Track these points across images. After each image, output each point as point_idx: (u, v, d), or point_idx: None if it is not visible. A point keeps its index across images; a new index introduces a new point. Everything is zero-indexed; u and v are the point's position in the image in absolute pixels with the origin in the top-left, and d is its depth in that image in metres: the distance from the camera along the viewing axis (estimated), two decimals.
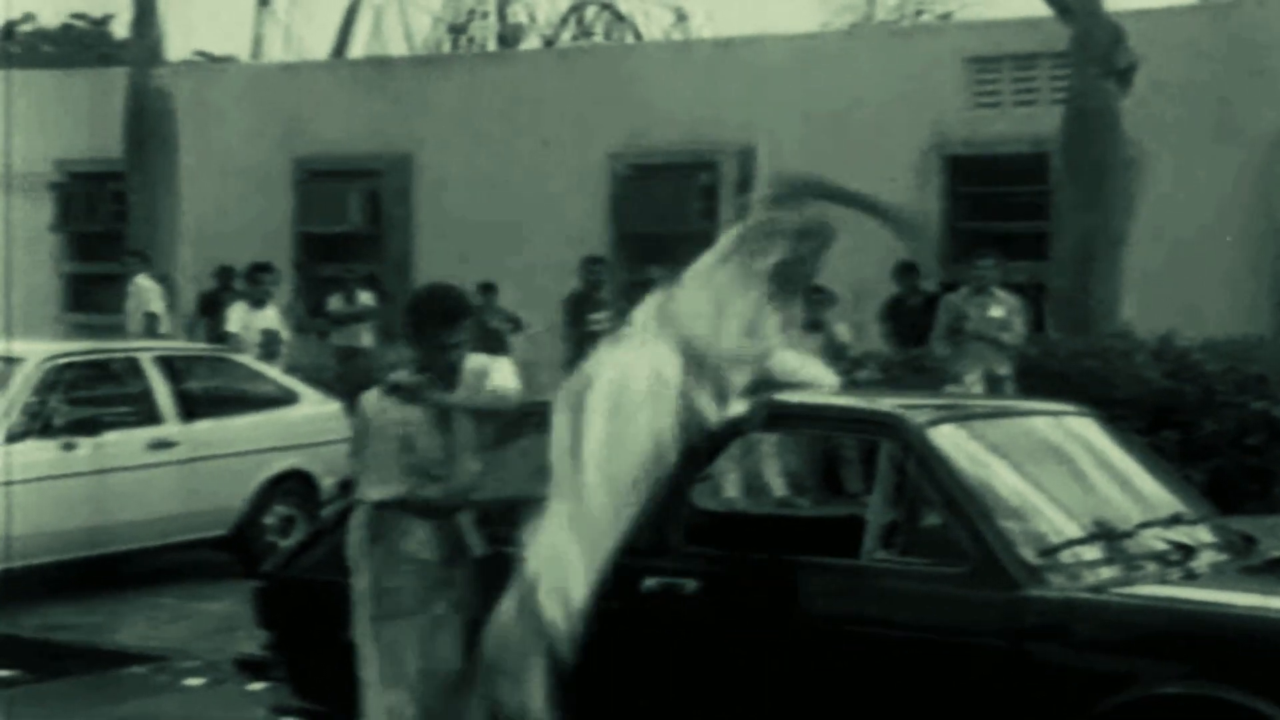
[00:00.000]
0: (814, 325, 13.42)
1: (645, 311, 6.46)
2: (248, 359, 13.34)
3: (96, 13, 40.48)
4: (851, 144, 17.72)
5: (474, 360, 6.40)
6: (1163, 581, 6.05)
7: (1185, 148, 17.08)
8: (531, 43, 32.07)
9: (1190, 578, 6.12)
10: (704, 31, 30.73)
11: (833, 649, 6.09)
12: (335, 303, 17.77)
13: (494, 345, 13.84)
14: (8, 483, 10.39)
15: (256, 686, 7.77)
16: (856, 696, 6.08)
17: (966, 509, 6.01)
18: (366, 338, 17.50)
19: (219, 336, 15.73)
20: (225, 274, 18.21)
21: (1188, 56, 17.24)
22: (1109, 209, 15.24)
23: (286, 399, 12.40)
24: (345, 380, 14.30)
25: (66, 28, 41.82)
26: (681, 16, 32.06)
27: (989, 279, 13.23)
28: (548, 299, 16.82)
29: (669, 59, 22.04)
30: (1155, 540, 6.25)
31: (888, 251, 13.00)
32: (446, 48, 31.67)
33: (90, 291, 22.52)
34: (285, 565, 7.43)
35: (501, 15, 32.78)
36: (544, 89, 21.01)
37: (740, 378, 6.42)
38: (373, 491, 6.31)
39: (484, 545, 6.32)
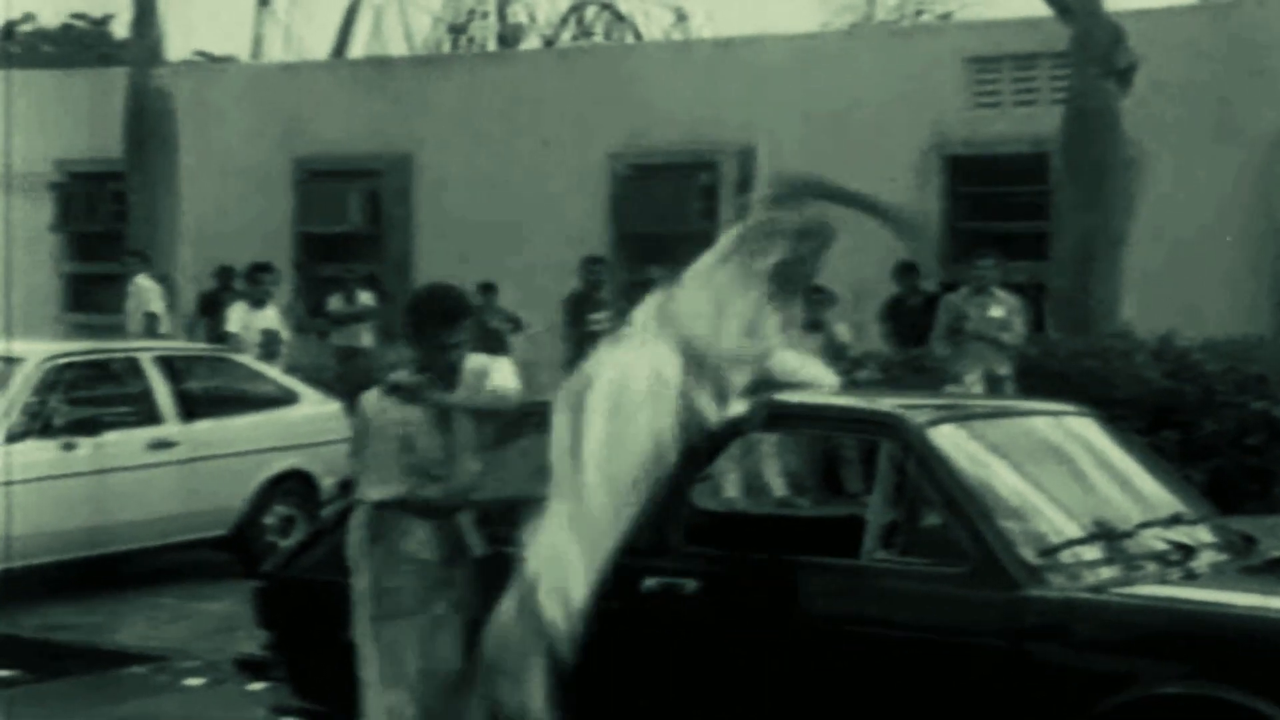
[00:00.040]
0: (814, 325, 13.42)
1: (645, 311, 6.46)
2: (248, 359, 13.34)
3: (96, 13, 40.54)
4: (851, 144, 17.72)
5: (474, 360, 6.40)
6: (1163, 581, 6.05)
7: (1185, 148, 17.09)
8: (531, 43, 32.07)
9: (1190, 578, 6.12)
10: (704, 31, 30.76)
11: (833, 649, 6.09)
12: (335, 303, 17.77)
13: (494, 345, 13.84)
14: (8, 483, 10.39)
15: (256, 686, 7.77)
16: (857, 697, 6.08)
17: (966, 509, 6.01)
18: (366, 338, 17.51)
19: (219, 336, 15.73)
20: (225, 274, 18.21)
21: (1188, 56, 17.24)
22: (1109, 209, 15.25)
23: (286, 399, 12.40)
24: (345, 380, 14.30)
25: (66, 28, 41.82)
26: (681, 16, 32.09)
27: (989, 279, 13.23)
28: (548, 299, 16.82)
29: (669, 59, 22.04)
30: (1155, 540, 6.25)
31: (888, 251, 13.00)
32: (446, 48, 31.67)
33: (90, 291, 22.52)
34: (285, 565, 7.43)
35: (501, 15, 32.78)
36: (544, 89, 21.01)
37: (740, 378, 6.42)
38: (373, 491, 6.31)
39: (484, 545, 6.32)
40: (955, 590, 5.96)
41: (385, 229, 21.68)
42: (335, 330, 17.72)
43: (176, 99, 20.27)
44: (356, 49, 30.47)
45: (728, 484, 10.68)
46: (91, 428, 11.09)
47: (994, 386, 12.74)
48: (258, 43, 31.60)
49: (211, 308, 17.76)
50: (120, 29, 34.72)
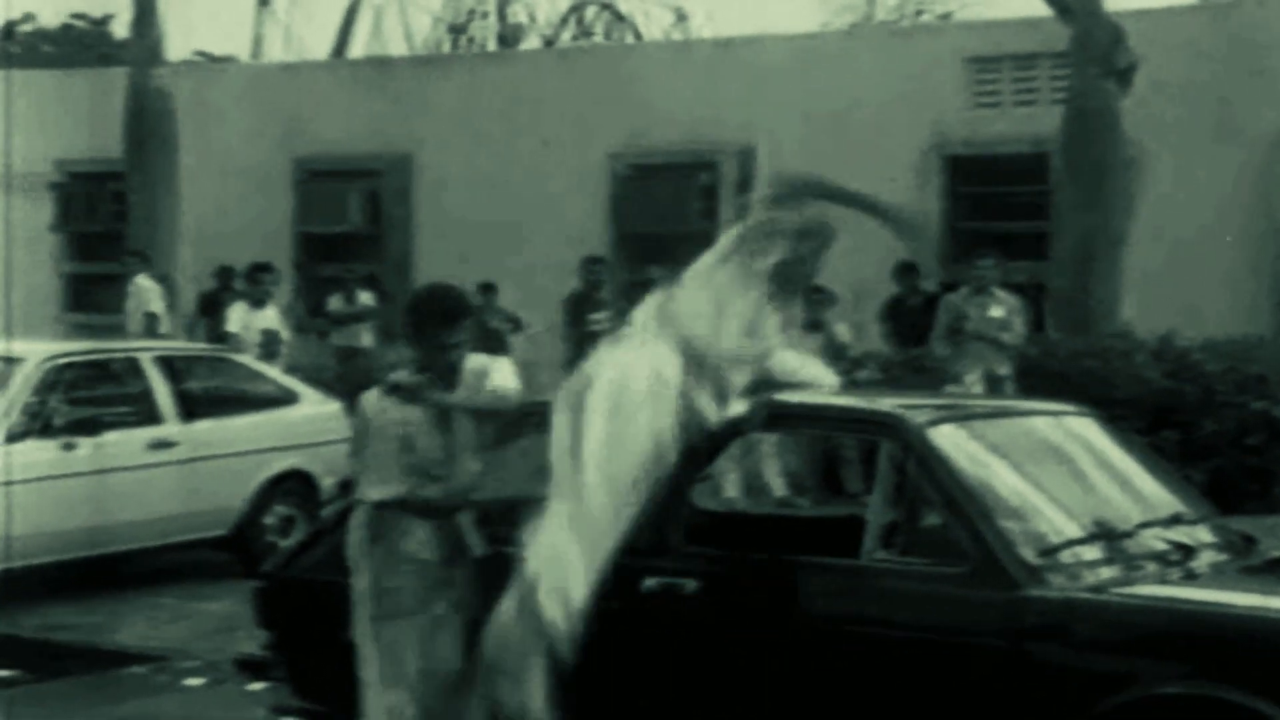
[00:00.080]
0: (814, 325, 13.42)
1: (645, 311, 6.46)
2: (248, 359, 13.34)
3: (96, 13, 40.53)
4: (851, 144, 17.72)
5: (474, 360, 6.40)
6: (1163, 581, 6.05)
7: (1185, 148, 17.08)
8: (531, 43, 32.07)
9: (1190, 578, 6.12)
10: (704, 31, 30.76)
11: (833, 649, 6.09)
12: (335, 303, 17.77)
13: (494, 345, 13.84)
14: (8, 483, 10.39)
15: (256, 686, 7.77)
16: (857, 697, 6.08)
17: (966, 509, 6.01)
18: (366, 338, 17.51)
19: (219, 336, 15.73)
20: (225, 274, 18.21)
21: (1188, 56, 17.24)
22: (1109, 209, 15.24)
23: (286, 399, 12.40)
24: (345, 380, 14.30)
25: (66, 28, 41.82)
26: (681, 16, 32.09)
27: (989, 279, 13.23)
28: (548, 299, 16.82)
29: (669, 59, 22.04)
30: (1155, 540, 6.25)
31: (888, 251, 13.00)
32: (446, 48, 31.67)
33: (90, 291, 22.52)
34: (285, 565, 7.43)
35: (501, 15, 32.78)
36: (544, 89, 21.01)
37: (740, 378, 6.42)
38: (373, 491, 6.31)
39: (484, 545, 6.32)
40: (955, 590, 5.96)
41: (385, 229, 21.68)
42: (335, 330, 17.72)
43: (176, 99, 20.27)
44: (356, 49, 30.49)
45: (728, 484, 10.68)
46: (91, 428, 11.09)
47: (994, 386, 12.74)
48: (258, 43, 31.63)
49: (211, 308, 17.76)
50: (120, 29, 34.75)
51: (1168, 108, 16.83)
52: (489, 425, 6.39)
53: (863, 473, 11.80)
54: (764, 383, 6.54)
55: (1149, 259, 15.88)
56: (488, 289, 17.28)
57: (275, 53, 30.68)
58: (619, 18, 32.28)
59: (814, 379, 6.85)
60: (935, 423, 6.35)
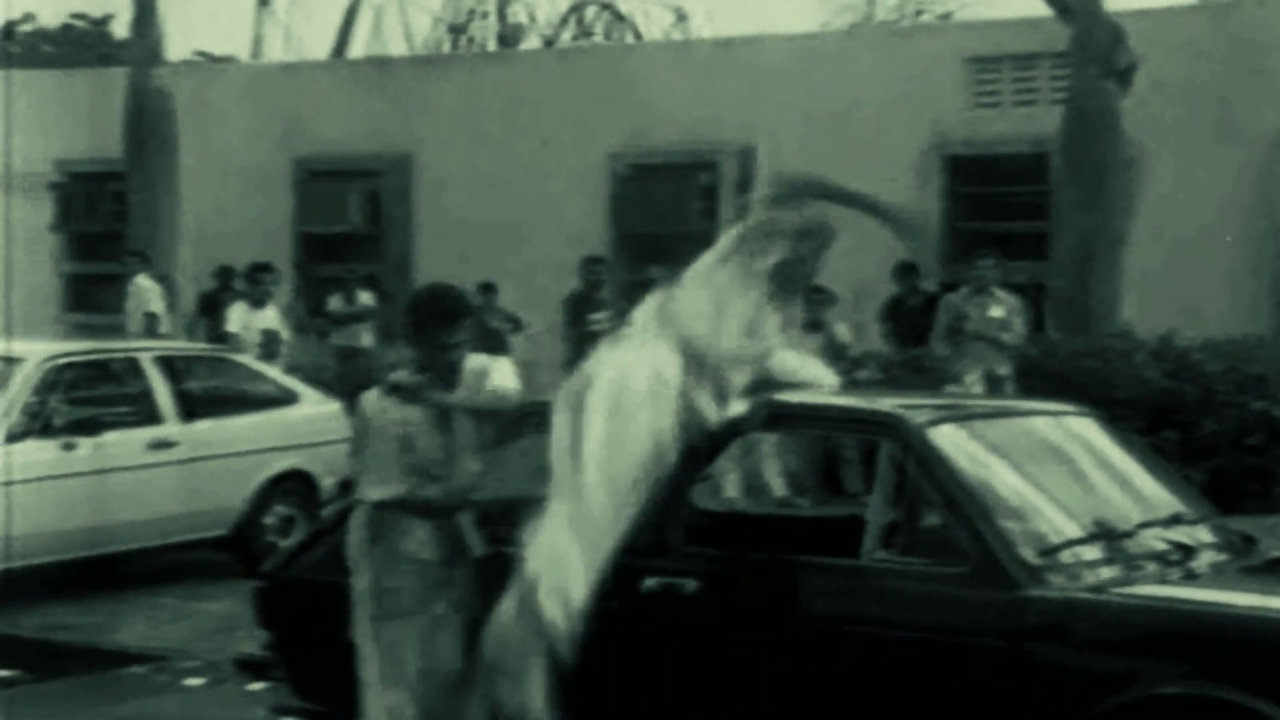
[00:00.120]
0: (814, 325, 13.42)
1: (645, 311, 6.46)
2: (248, 359, 13.34)
3: (96, 13, 40.54)
4: (851, 144, 17.72)
5: (474, 360, 6.40)
6: (1163, 581, 6.05)
7: (1185, 148, 17.08)
8: (531, 43, 32.07)
9: (1190, 578, 6.12)
10: (704, 31, 30.75)
11: (833, 649, 6.09)
12: (335, 303, 17.77)
13: (494, 345, 13.84)
14: (8, 483, 10.39)
15: (256, 686, 7.77)
16: (857, 697, 6.08)
17: (966, 509, 6.01)
18: (366, 338, 17.51)
19: (219, 336, 15.73)
20: (225, 274, 18.21)
21: (1188, 56, 17.24)
22: (1109, 209, 15.24)
23: (286, 399, 12.40)
24: (345, 380, 14.30)
25: (66, 28, 41.82)
26: (681, 16, 32.09)
27: (989, 279, 13.23)
28: (548, 299, 16.82)
29: (669, 59, 22.04)
30: (1155, 540, 6.25)
31: (888, 251, 13.00)
32: (446, 48, 31.67)
33: (90, 291, 22.52)
34: (285, 565, 7.43)
35: (501, 15, 32.78)
36: (544, 89, 21.01)
37: (740, 378, 6.42)
38: (373, 491, 6.31)
39: (484, 545, 6.32)
40: (955, 590, 5.96)
41: (385, 229, 21.68)
42: (335, 330, 17.72)
43: (176, 99, 20.27)
44: (356, 49, 30.49)
45: (728, 484, 10.68)
46: (91, 428, 11.09)
47: (994, 386, 12.74)
48: (258, 43, 31.63)
49: (211, 308, 17.76)
50: (120, 29, 34.75)
51: (1168, 108, 16.83)
52: (489, 425, 6.39)
53: (863, 473, 11.80)
54: (764, 383, 6.53)
55: (1149, 259, 15.88)
56: (488, 289, 17.28)
57: (275, 53, 30.72)
58: (619, 18, 32.28)
59: (814, 379, 6.85)
60: (935, 423, 6.35)
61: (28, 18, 40.70)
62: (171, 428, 11.40)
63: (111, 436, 11.14)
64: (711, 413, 6.31)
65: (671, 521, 6.35)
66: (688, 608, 6.30)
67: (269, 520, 11.78)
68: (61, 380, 11.09)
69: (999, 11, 35.58)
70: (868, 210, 6.88)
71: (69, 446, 10.83)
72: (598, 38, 31.83)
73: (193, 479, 11.36)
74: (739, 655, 6.24)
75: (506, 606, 6.04)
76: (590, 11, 32.52)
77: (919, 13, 33.26)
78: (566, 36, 32.09)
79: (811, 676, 6.12)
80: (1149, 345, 14.16)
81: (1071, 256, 15.41)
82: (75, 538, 10.82)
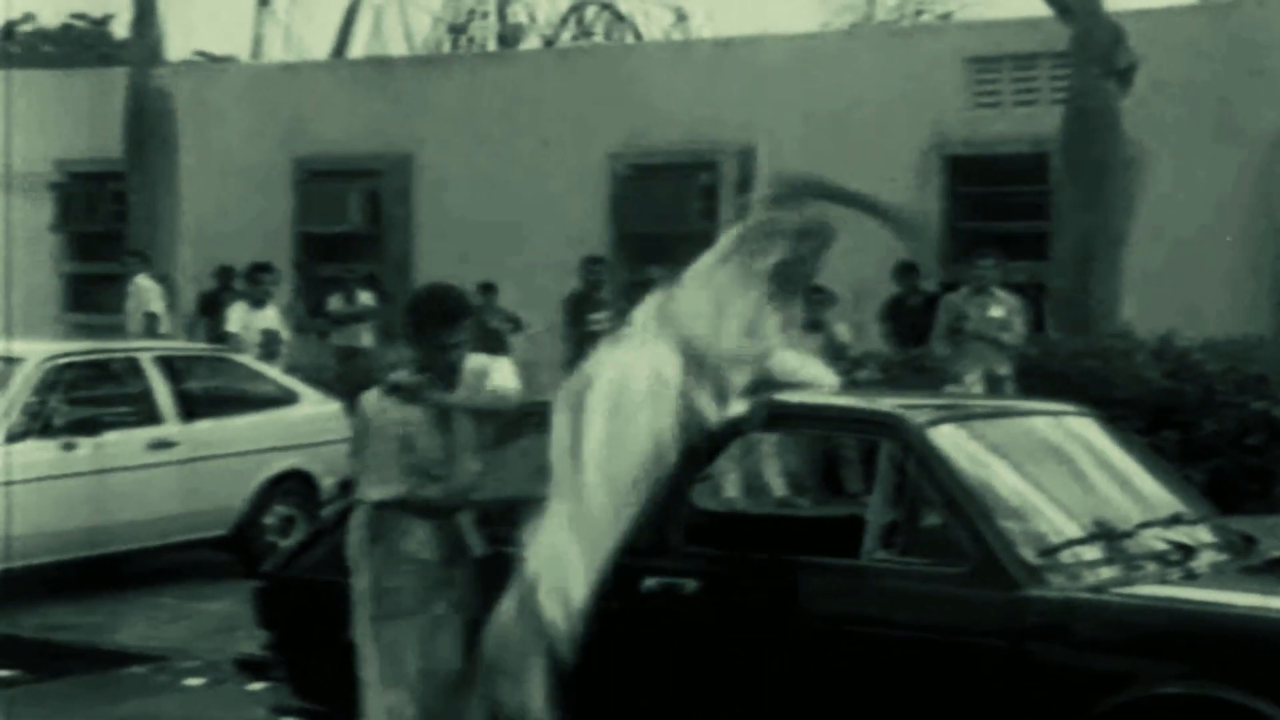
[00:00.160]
0: (814, 325, 13.42)
1: (645, 311, 6.46)
2: (248, 359, 13.34)
3: (97, 13, 40.53)
4: (851, 144, 17.72)
5: (474, 360, 6.40)
6: (1163, 581, 6.05)
7: (1185, 148, 17.09)
8: (531, 43, 32.07)
9: (1190, 578, 6.12)
10: (704, 31, 30.75)
11: (833, 649, 6.09)
12: (335, 303, 17.77)
13: (494, 345, 13.84)
14: (8, 483, 10.39)
15: (257, 686, 7.77)
16: (857, 697, 6.08)
17: (966, 509, 6.01)
18: (366, 338, 17.51)
19: (219, 336, 15.73)
20: (225, 274, 18.21)
21: (1188, 56, 17.24)
22: (1109, 209, 15.24)
23: (286, 399, 12.40)
24: (345, 380, 14.30)
25: (67, 28, 41.82)
26: (681, 16, 32.09)
27: (989, 279, 13.23)
28: (548, 299, 16.82)
29: (669, 59, 22.04)
30: (1155, 540, 6.25)
31: (888, 251, 13.01)
32: (446, 48, 31.66)
33: (90, 291, 22.52)
34: (285, 565, 7.43)
35: (501, 15, 32.78)
36: (544, 89, 21.02)
37: (740, 378, 6.42)
38: (373, 491, 6.31)
39: (484, 545, 6.32)
40: (955, 590, 5.96)
41: (385, 229, 21.68)
42: (335, 330, 17.72)
43: (176, 99, 20.27)
44: (356, 49, 30.49)
45: (728, 484, 10.68)
46: (92, 428, 11.09)
47: (994, 386, 12.73)
48: (258, 43, 31.63)
49: (212, 308, 17.76)
50: (120, 29, 34.75)
51: (1168, 108, 16.83)
52: (489, 425, 6.39)
53: (863, 473, 11.80)
54: (764, 383, 6.54)
55: (1149, 259, 15.88)
56: (488, 289, 17.28)
57: (275, 53, 30.72)
58: (619, 18, 32.28)
59: (814, 379, 6.85)
60: (935, 423, 6.35)
61: (28, 18, 40.73)
62: (171, 428, 11.40)
63: (111, 436, 11.14)
64: (711, 413, 6.31)
65: (671, 521, 6.35)
66: (688, 608, 6.29)
67: (269, 520, 11.78)
68: (61, 380, 11.09)
69: (999, 11, 35.61)
70: (867, 210, 6.88)
71: (69, 446, 10.83)
72: (598, 38, 31.83)
73: (193, 479, 11.36)
74: (739, 655, 6.24)
75: (506, 606, 6.04)
76: (590, 11, 32.53)
77: (919, 13, 33.27)
78: (566, 36, 32.09)
79: (812, 677, 6.12)
80: (1149, 345, 14.16)
81: (1071, 256, 15.42)
82: (75, 538, 10.82)
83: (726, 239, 6.53)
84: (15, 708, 8.58)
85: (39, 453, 10.68)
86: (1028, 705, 5.75)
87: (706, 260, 6.49)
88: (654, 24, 31.98)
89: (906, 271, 15.50)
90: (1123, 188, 15.34)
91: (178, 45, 27.99)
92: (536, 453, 6.26)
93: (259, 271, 15.82)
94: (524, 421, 6.51)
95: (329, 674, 6.62)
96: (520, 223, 20.29)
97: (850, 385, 10.43)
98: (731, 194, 18.23)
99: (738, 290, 6.37)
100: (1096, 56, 15.37)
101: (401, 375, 6.39)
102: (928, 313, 13.88)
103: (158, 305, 16.81)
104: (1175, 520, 6.43)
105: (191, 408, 11.61)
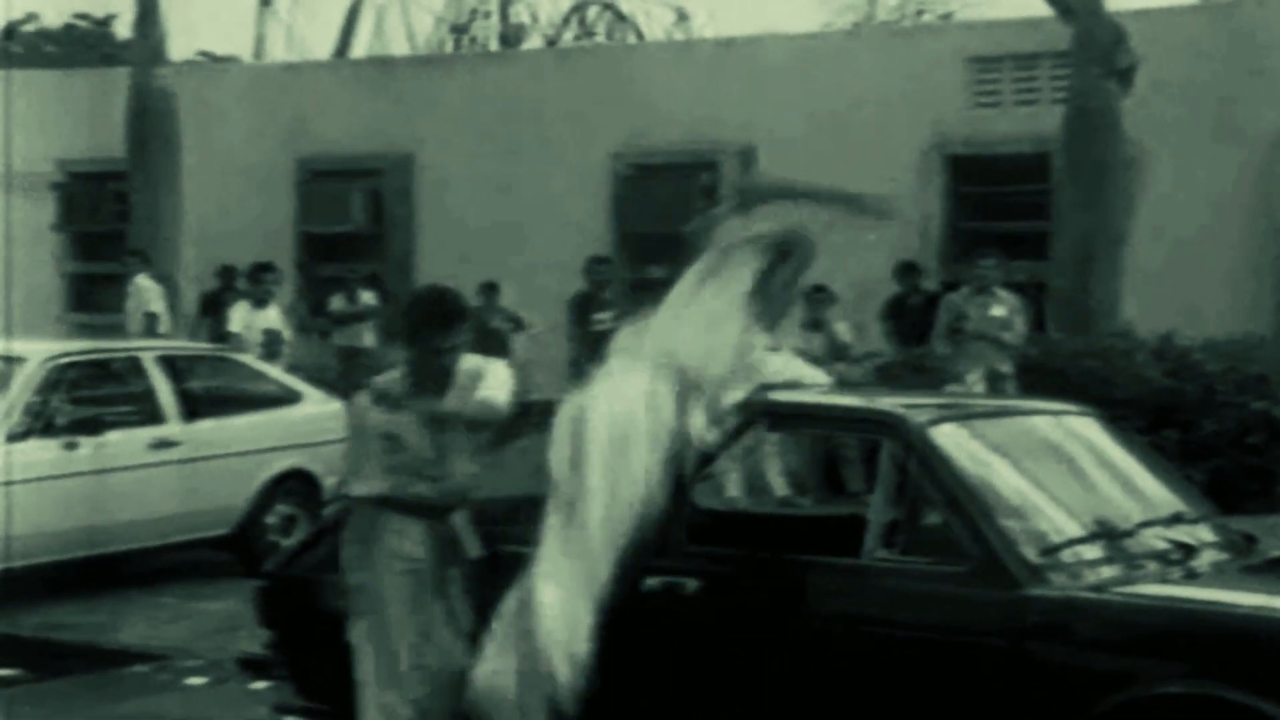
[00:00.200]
0: (814, 325, 13.43)
1: (627, 339, 6.39)
2: (250, 359, 13.35)
3: (99, 13, 40.53)
4: (852, 144, 17.72)
5: (469, 361, 6.36)
6: (1164, 581, 6.06)
7: (1185, 148, 17.08)
8: (533, 43, 32.07)
9: (1191, 577, 6.12)
10: (705, 31, 30.75)
11: (834, 648, 6.10)
12: (337, 302, 17.78)
13: (496, 345, 13.84)
14: (9, 482, 10.39)
15: (258, 685, 7.78)
16: (858, 696, 6.09)
17: (968, 508, 6.02)
18: (368, 337, 17.51)
19: (221, 336, 15.74)
20: (227, 274, 18.23)
21: (1188, 56, 17.24)
22: (1109, 209, 15.25)
23: (288, 398, 12.40)
24: (347, 380, 14.30)
25: (69, 28, 41.82)
26: (683, 16, 32.09)
27: (990, 278, 13.23)
28: (549, 299, 16.82)
29: (670, 59, 22.03)
30: (1156, 539, 6.26)
31: (888, 251, 13.02)
32: (449, 48, 31.66)
33: (92, 291, 22.53)
34: (287, 564, 7.44)
35: (503, 15, 32.78)
36: (546, 89, 21.01)
37: (731, 398, 6.39)
38: (358, 487, 6.32)
39: (480, 546, 6.32)
40: (956, 589, 5.96)
41: (387, 229, 21.68)
42: (337, 330, 17.73)
43: (179, 99, 20.25)
44: (359, 49, 30.50)
45: (729, 483, 10.67)
46: (93, 427, 11.10)
47: (995, 386, 12.74)
48: (260, 43, 31.64)
49: (214, 307, 17.77)
50: (122, 29, 34.79)
51: (1168, 108, 16.83)
52: (481, 433, 6.38)
53: (864, 472, 11.78)
54: (761, 387, 6.53)
55: (1149, 259, 15.88)
56: (490, 288, 17.29)
57: (277, 53, 30.73)
58: (620, 18, 32.28)
59: (799, 378, 6.83)
60: (936, 422, 6.35)
61: (30, 18, 40.75)
62: (173, 427, 11.41)
63: (113, 436, 11.15)
64: (707, 438, 6.26)
65: (673, 521, 6.34)
66: (689, 607, 6.30)
67: (271, 519, 11.79)
68: (63, 380, 11.10)
69: (1000, 11, 35.59)
70: (829, 202, 6.83)
71: (71, 446, 10.83)
72: (599, 38, 31.83)
73: (194, 478, 11.36)
74: (740, 655, 6.24)
75: (500, 649, 5.94)
76: (592, 11, 32.52)
77: (920, 12, 33.27)
78: (568, 36, 32.09)
79: (813, 676, 6.12)
80: (1149, 345, 14.16)
81: (1072, 256, 15.42)
82: (77, 537, 10.83)
83: (704, 259, 6.47)
84: (15, 707, 8.59)
85: (41, 452, 10.69)
86: (1029, 704, 5.75)
87: (688, 282, 6.42)
88: (655, 24, 32.02)
89: (907, 271, 15.52)
90: (1123, 187, 15.34)
91: (180, 45, 27.87)
92: (535, 453, 6.25)
93: (261, 271, 15.83)
94: (521, 423, 6.51)
95: (330, 673, 6.61)
96: (522, 222, 20.29)
97: (842, 384, 10.43)
98: (732, 194, 18.19)
99: (723, 312, 6.33)
100: (1097, 56, 15.37)
101: (386, 382, 6.38)
102: (929, 312, 13.89)
103: (158, 305, 16.83)
104: (1176, 519, 6.43)
105: (193, 407, 11.62)
